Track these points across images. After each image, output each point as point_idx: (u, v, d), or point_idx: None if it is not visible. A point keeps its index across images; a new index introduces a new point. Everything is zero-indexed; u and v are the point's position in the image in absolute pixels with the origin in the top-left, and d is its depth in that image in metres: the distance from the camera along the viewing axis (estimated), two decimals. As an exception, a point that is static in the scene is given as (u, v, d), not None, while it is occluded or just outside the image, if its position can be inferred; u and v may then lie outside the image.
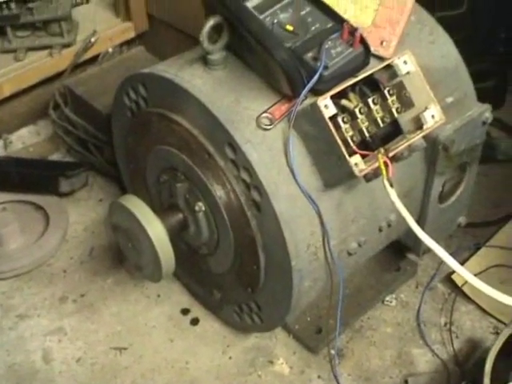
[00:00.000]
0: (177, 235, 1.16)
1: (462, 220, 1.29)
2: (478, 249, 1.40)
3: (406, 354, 1.26)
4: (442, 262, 1.28)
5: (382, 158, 0.96)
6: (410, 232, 1.00)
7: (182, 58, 1.12)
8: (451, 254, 0.95)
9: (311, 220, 1.03)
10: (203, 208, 1.10)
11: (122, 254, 1.32)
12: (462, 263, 1.36)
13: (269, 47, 0.97)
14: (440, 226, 1.24)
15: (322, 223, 1.03)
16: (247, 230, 1.05)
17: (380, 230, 1.15)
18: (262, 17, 1.05)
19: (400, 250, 1.35)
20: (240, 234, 1.07)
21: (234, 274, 1.15)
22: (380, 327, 1.30)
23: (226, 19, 1.02)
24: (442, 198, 1.20)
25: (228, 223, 1.07)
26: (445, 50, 1.18)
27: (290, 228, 1.00)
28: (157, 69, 1.11)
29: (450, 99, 1.15)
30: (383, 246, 1.23)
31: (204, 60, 1.07)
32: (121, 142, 1.30)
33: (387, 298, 1.34)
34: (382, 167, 0.95)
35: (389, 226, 1.15)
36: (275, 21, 1.05)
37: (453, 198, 1.22)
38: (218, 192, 1.05)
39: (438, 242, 0.97)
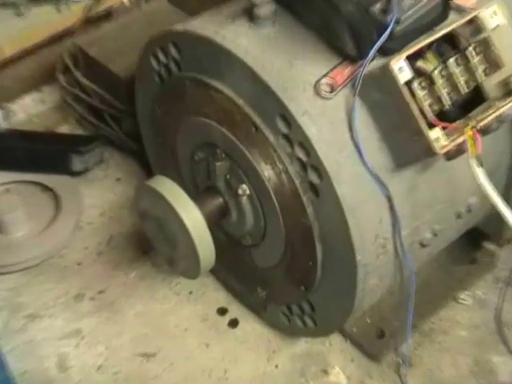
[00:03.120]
0: (215, 223, 1.14)
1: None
2: None
3: (485, 362, 1.23)
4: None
5: (470, 132, 0.92)
6: (491, 217, 1.00)
7: (222, 12, 1.09)
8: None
9: (379, 206, 1.00)
10: (247, 191, 1.08)
11: (146, 244, 1.31)
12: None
13: (331, -3, 0.93)
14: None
15: (392, 209, 1.00)
16: (302, 218, 1.02)
17: (458, 217, 1.12)
18: (318, -39, 1.02)
19: (476, 239, 1.32)
20: (293, 222, 1.05)
21: (284, 270, 1.13)
22: (453, 330, 1.28)
23: (276, -35, 0.99)
24: (531, 176, 1.17)
25: (278, 209, 1.05)
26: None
27: (355, 215, 0.97)
28: (192, 25, 1.08)
29: (543, 58, 1.10)
30: (459, 235, 1.21)
31: (249, 15, 1.03)
32: (145, 111, 1.28)
33: (461, 296, 1.31)
34: (471, 142, 0.92)
35: (468, 211, 1.12)
36: (334, -34, 1.02)
37: (544, 177, 1.19)
38: (267, 173, 1.03)
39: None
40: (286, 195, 1.03)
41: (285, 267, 1.12)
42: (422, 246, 1.09)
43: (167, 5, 1.66)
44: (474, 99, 0.99)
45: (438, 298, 1.30)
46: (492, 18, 0.97)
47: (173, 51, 1.12)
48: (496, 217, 0.96)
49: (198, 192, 1.17)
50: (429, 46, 0.97)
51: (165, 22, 1.17)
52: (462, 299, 1.31)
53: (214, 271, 1.34)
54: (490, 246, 1.33)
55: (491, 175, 1.09)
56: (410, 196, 1.03)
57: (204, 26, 1.06)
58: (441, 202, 1.07)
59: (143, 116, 1.31)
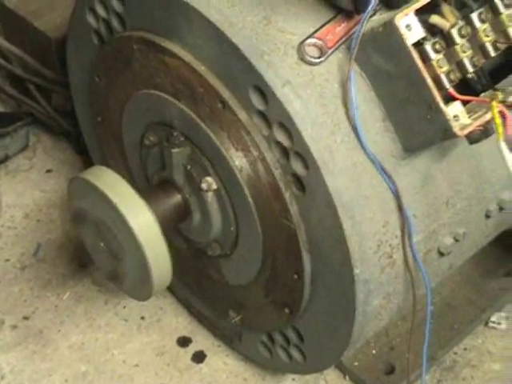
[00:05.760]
0: (173, 228, 1.15)
1: None
2: None
3: (524, 404, 1.26)
4: None
5: (497, 107, 0.93)
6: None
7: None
8: None
9: (384, 204, 1.01)
10: (214, 186, 1.09)
11: (83, 255, 1.31)
12: None
13: None
14: None
15: (400, 208, 1.01)
16: (284, 220, 1.03)
17: (487, 216, 1.13)
18: None
19: (510, 247, 1.35)
20: (272, 225, 1.05)
21: (262, 287, 1.14)
22: (483, 363, 1.29)
23: None
24: None
25: (253, 209, 1.06)
26: None
27: (352, 216, 0.98)
28: (139, -30, 1.09)
29: None
30: (489, 241, 1.22)
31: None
32: (82, 82, 1.28)
33: (493, 319, 1.34)
34: (498, 121, 0.92)
35: (500, 209, 1.14)
36: None
37: None
38: (238, 161, 1.04)
39: None
40: (264, 190, 1.03)
41: (263, 284, 1.13)
42: (441, 254, 1.10)
43: None
44: (504, 66, 1.01)
45: (462, 321, 1.31)
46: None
47: (115, 3, 1.13)
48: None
49: (150, 187, 1.18)
50: (446, -4, 0.98)
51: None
52: (494, 322, 1.33)
53: (172, 290, 1.35)
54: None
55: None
56: (425, 191, 1.04)
57: (155, -30, 1.07)
58: (464, 198, 1.08)
59: (78, 88, 1.32)
